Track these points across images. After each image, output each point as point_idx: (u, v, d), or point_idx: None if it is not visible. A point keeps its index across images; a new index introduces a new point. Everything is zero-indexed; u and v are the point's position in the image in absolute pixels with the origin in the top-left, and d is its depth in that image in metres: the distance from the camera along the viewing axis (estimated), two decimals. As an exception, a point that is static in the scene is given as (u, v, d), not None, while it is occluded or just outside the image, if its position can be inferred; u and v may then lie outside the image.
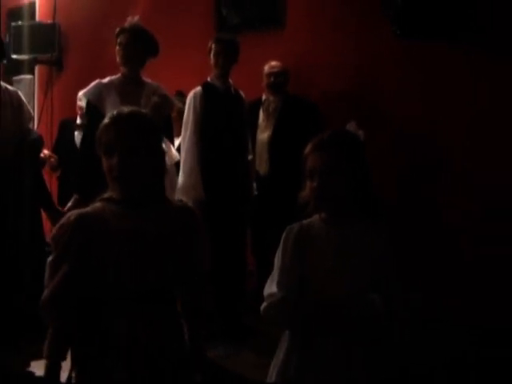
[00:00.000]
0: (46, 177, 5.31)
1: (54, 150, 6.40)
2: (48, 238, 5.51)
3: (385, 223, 2.42)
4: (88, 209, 2.26)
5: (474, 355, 4.19)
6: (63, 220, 2.23)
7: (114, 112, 2.28)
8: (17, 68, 7.70)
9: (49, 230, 5.82)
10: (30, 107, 4.53)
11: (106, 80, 4.36)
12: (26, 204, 4.13)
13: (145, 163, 2.21)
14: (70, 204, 4.24)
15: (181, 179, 4.76)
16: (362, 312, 2.25)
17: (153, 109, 4.04)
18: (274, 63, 5.58)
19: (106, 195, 2.27)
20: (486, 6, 4.74)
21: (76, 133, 6.35)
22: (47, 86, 7.63)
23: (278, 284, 2.34)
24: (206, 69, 5.08)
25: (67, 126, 6.53)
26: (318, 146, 2.36)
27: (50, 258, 2.21)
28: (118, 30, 4.39)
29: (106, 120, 2.25)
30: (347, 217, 2.38)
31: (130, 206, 2.24)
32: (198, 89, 4.94)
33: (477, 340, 4.38)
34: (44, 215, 4.70)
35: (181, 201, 2.97)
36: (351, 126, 2.54)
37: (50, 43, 7.42)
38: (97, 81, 4.35)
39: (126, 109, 2.29)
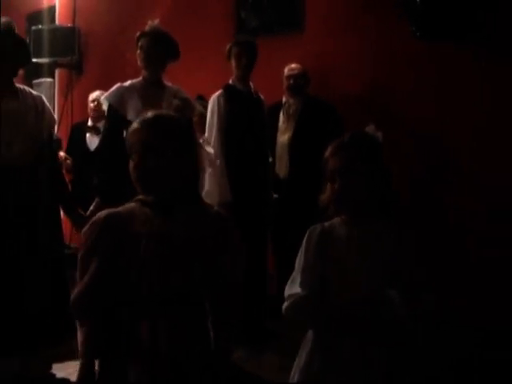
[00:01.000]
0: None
1: (66, 153, 6.46)
2: (67, 241, 5.58)
3: (399, 223, 2.44)
4: (119, 208, 2.27)
5: (479, 357, 4.19)
6: (95, 217, 2.25)
7: (141, 116, 2.30)
8: (37, 71, 7.75)
9: (68, 233, 5.90)
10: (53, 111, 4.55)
11: (127, 83, 4.36)
12: (48, 208, 4.13)
13: (171, 166, 2.21)
14: (91, 208, 4.25)
15: (206, 182, 4.76)
16: (382, 312, 2.26)
17: (174, 112, 4.02)
18: (293, 65, 5.59)
19: (140, 196, 2.28)
20: (498, 8, 4.77)
21: (88, 135, 6.40)
22: (67, 89, 7.70)
23: (301, 283, 2.35)
24: (225, 72, 5.11)
25: (79, 129, 6.58)
26: (338, 148, 2.38)
27: (79, 254, 2.23)
28: (138, 33, 4.39)
29: (134, 124, 2.27)
30: (367, 217, 2.39)
31: (159, 209, 2.24)
32: (221, 91, 4.96)
33: (481, 342, 4.38)
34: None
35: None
36: (370, 129, 2.56)
37: (69, 47, 7.49)
38: (118, 84, 4.35)
39: (151, 112, 2.29)
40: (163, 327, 2.16)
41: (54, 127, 4.71)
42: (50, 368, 4.11)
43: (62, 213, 4.39)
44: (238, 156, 4.86)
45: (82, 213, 4.26)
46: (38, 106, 4.11)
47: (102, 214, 2.24)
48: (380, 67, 5.58)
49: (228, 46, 5.03)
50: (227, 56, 5.02)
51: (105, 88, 5.02)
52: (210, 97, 5.05)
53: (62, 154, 6.09)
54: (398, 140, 4.91)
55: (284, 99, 5.61)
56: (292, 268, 2.46)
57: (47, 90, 7.71)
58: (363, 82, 5.67)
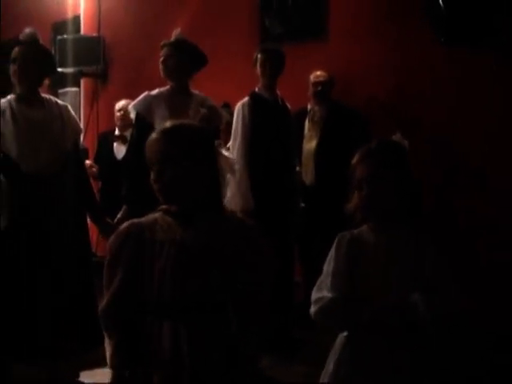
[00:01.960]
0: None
1: (94, 162, 6.50)
2: (93, 249, 5.61)
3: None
4: (143, 218, 2.28)
5: (489, 361, 4.18)
6: (119, 229, 2.28)
7: (160, 127, 2.32)
8: (62, 81, 7.81)
9: (95, 241, 5.94)
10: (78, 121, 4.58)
11: (154, 92, 4.38)
12: (74, 216, 4.16)
13: (190, 175, 2.20)
14: (119, 216, 4.29)
15: (229, 189, 4.73)
16: (407, 317, 2.25)
17: (201, 121, 4.02)
18: (319, 73, 5.60)
19: (162, 206, 2.29)
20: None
21: (115, 144, 6.43)
22: (93, 98, 7.75)
23: (331, 287, 2.35)
24: (251, 80, 5.10)
25: (106, 139, 6.62)
26: (365, 155, 2.39)
27: (105, 264, 2.24)
28: (162, 43, 4.43)
29: (152, 135, 2.28)
30: (394, 222, 2.40)
31: (180, 217, 2.24)
32: (246, 99, 4.94)
33: (492, 346, 4.38)
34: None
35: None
36: (397, 137, 2.57)
37: (94, 56, 7.54)
38: (145, 93, 4.38)
39: (170, 122, 2.30)
40: (184, 335, 2.16)
41: (79, 136, 4.75)
42: (78, 376, 4.13)
43: (89, 221, 4.42)
44: (264, 164, 4.83)
45: (110, 221, 4.28)
46: (63, 115, 4.15)
47: (125, 224, 2.27)
48: (403, 73, 5.59)
49: (254, 54, 5.02)
50: (253, 63, 5.01)
51: (130, 97, 5.06)
52: (235, 104, 5.04)
53: (87, 161, 6.13)
54: (417, 145, 4.91)
55: (309, 106, 5.62)
56: (318, 275, 2.46)
57: (73, 100, 7.75)
58: (386, 89, 5.69)
